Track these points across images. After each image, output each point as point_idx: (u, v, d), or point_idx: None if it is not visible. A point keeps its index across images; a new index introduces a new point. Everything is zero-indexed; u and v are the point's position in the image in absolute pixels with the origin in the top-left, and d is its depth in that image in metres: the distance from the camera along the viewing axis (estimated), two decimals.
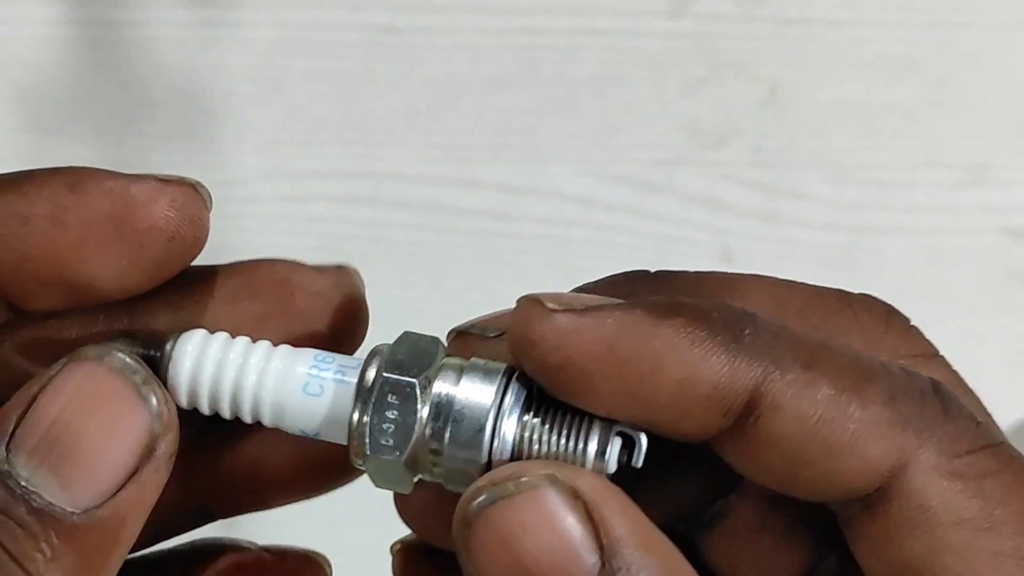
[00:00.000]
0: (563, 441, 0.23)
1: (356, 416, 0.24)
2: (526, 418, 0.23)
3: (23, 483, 0.22)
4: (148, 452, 0.23)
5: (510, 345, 0.23)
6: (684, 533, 0.26)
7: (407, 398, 0.23)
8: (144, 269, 0.24)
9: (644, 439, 0.23)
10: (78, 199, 0.24)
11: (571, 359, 0.22)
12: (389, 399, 0.23)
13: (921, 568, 0.22)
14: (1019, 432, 0.55)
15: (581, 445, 0.23)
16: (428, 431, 0.23)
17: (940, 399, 0.23)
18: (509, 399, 0.23)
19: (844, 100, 0.57)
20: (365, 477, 0.25)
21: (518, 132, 0.57)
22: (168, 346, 0.24)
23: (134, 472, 0.23)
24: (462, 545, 0.22)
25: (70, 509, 0.22)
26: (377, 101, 0.57)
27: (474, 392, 0.23)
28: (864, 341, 0.24)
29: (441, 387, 0.24)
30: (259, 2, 0.56)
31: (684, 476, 0.25)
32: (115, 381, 0.23)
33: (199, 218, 0.25)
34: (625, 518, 0.22)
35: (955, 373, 0.25)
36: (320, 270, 0.26)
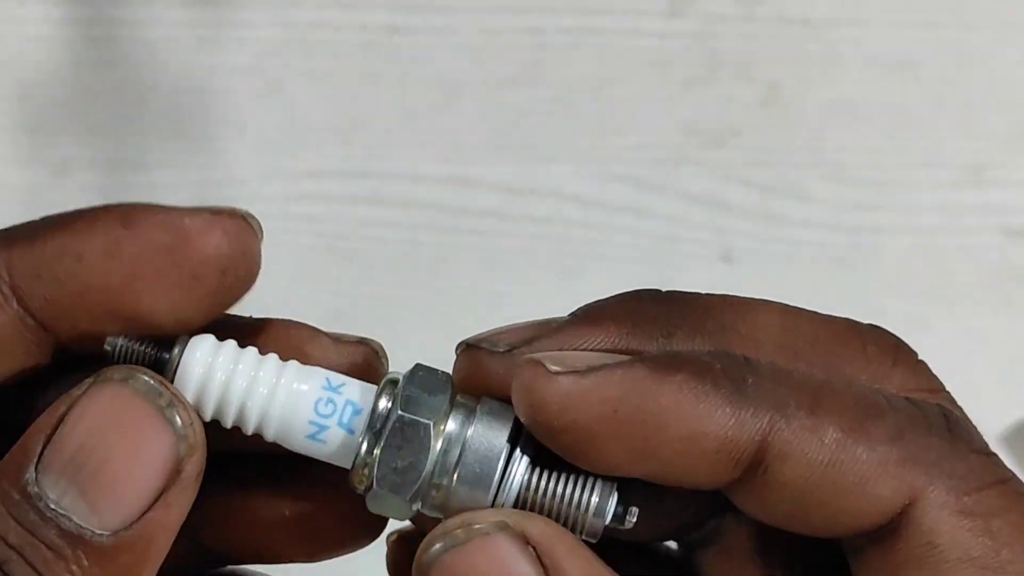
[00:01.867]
0: (567, 491, 0.23)
1: (365, 447, 0.24)
2: (535, 466, 0.24)
3: (52, 506, 0.22)
4: (175, 474, 0.23)
5: (515, 405, 0.23)
6: (679, 549, 0.26)
7: (419, 435, 0.23)
8: (199, 301, 0.24)
9: (635, 508, 0.24)
10: (131, 233, 0.24)
11: (576, 422, 0.22)
12: (400, 434, 0.23)
13: None
14: (1019, 432, 0.55)
15: (585, 496, 0.23)
16: (437, 468, 0.23)
17: (950, 430, 0.23)
18: (519, 446, 0.24)
19: (844, 100, 0.57)
20: None
21: (518, 132, 0.57)
22: (176, 349, 0.24)
23: (161, 493, 0.23)
24: None
25: (99, 531, 0.22)
26: (377, 101, 0.57)
27: (486, 435, 0.24)
28: (871, 373, 0.24)
29: (453, 426, 0.24)
30: (259, 2, 0.56)
31: (680, 491, 0.26)
32: (140, 403, 0.23)
33: (252, 250, 0.25)
34: (577, 560, 0.22)
35: (960, 410, 0.25)
36: (338, 341, 0.26)
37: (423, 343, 0.58)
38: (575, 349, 0.24)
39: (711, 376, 0.22)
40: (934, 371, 0.25)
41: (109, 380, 0.23)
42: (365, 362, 0.26)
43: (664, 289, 0.25)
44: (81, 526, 0.22)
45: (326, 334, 0.26)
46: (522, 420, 0.23)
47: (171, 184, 0.57)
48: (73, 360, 0.25)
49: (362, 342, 0.26)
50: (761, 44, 0.57)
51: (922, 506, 0.22)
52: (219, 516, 0.26)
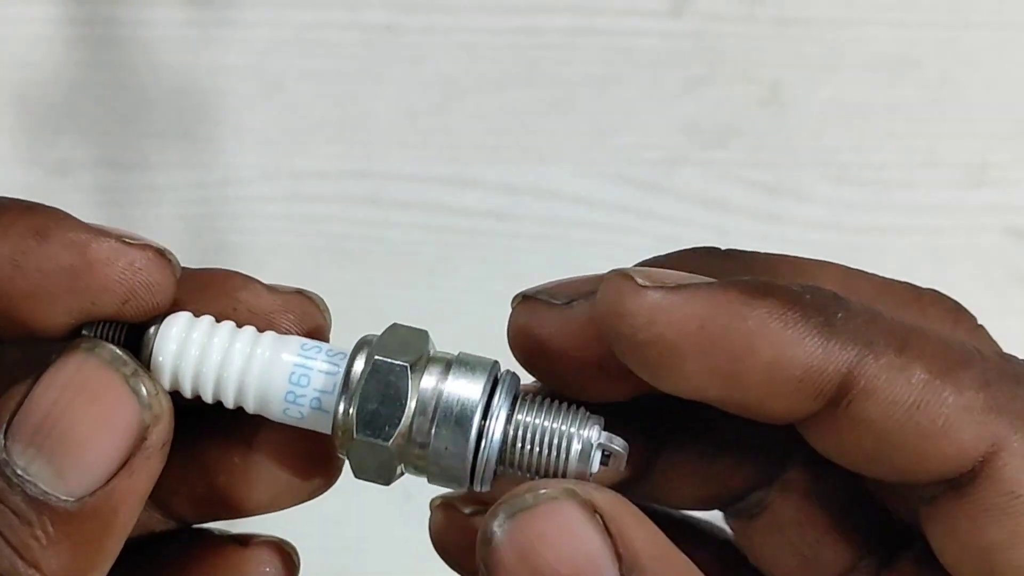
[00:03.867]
0: (548, 438, 0.23)
1: (342, 407, 0.24)
2: (514, 417, 0.24)
3: (19, 472, 0.23)
4: (139, 441, 0.23)
5: (598, 319, 0.23)
6: (725, 518, 0.26)
7: (395, 391, 0.23)
8: (95, 321, 0.25)
9: (623, 449, 0.24)
10: (39, 247, 0.24)
11: (662, 335, 0.22)
12: (376, 391, 0.23)
13: (999, 556, 0.22)
14: None
15: (565, 445, 0.23)
16: (415, 424, 0.23)
17: None
18: (498, 398, 0.24)
19: (844, 100, 0.57)
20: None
21: (518, 132, 0.57)
22: (152, 329, 0.24)
23: (126, 461, 0.23)
24: (484, 563, 0.22)
25: (64, 497, 0.23)
26: (377, 101, 0.57)
27: (463, 388, 0.23)
28: None
29: (429, 381, 0.24)
30: (258, 2, 0.56)
31: (727, 458, 0.25)
32: (105, 372, 0.23)
33: (158, 284, 0.24)
34: (642, 531, 0.22)
35: None
36: (272, 289, 0.26)
37: None
38: None
39: (801, 305, 0.22)
40: None
41: (75, 349, 0.24)
42: (302, 311, 0.26)
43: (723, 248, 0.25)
44: (47, 492, 0.23)
45: (260, 282, 0.26)
46: (604, 331, 0.23)
47: (171, 184, 0.57)
48: None
49: (300, 291, 0.26)
50: (761, 44, 0.57)
51: (1006, 456, 0.22)
52: (175, 471, 0.26)
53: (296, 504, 0.27)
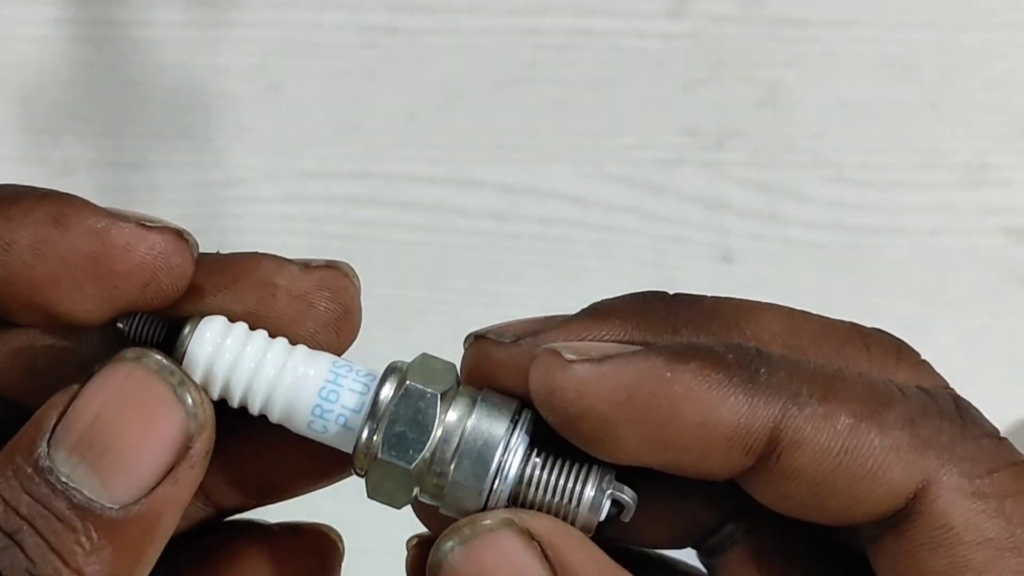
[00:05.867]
0: (561, 483, 0.24)
1: (366, 431, 0.24)
2: (530, 457, 0.24)
3: (63, 479, 0.23)
4: (184, 450, 0.23)
5: (533, 395, 0.23)
6: (699, 555, 0.26)
7: (423, 417, 0.24)
8: (118, 308, 0.25)
9: (632, 501, 0.24)
10: (59, 233, 0.24)
11: (592, 408, 0.23)
12: (405, 415, 0.24)
13: None
14: (1019, 432, 0.55)
15: (579, 490, 0.24)
16: (438, 453, 0.24)
17: (961, 416, 0.23)
18: (516, 437, 0.24)
19: (844, 100, 0.57)
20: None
21: (518, 132, 0.57)
22: (186, 329, 0.25)
23: (170, 469, 0.23)
24: None
25: (108, 505, 0.23)
26: (377, 102, 0.57)
27: (485, 425, 0.24)
28: (876, 373, 0.24)
29: (453, 415, 0.24)
30: (260, 3, 0.56)
31: (695, 498, 0.26)
32: (152, 381, 0.24)
33: (179, 267, 0.25)
34: (583, 554, 0.23)
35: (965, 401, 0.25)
36: (306, 268, 0.26)
37: (423, 343, 0.58)
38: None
39: (724, 365, 0.23)
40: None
41: (122, 359, 0.24)
42: (336, 285, 0.26)
43: (666, 290, 0.26)
44: (91, 499, 0.23)
45: (292, 261, 0.26)
46: (539, 408, 0.24)
47: (172, 185, 0.57)
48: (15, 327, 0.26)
49: (330, 265, 0.27)
50: (761, 44, 0.57)
51: (935, 490, 0.22)
52: (216, 459, 0.27)
53: (333, 482, 0.27)
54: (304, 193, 0.58)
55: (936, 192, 0.58)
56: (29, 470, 0.23)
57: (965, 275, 0.58)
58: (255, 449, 0.27)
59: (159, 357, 0.24)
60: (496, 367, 0.25)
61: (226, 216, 0.58)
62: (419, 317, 0.58)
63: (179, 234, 0.25)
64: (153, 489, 0.23)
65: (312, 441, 0.25)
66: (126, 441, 0.23)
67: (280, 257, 0.26)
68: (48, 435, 0.23)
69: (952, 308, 0.58)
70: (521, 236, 0.58)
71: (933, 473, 0.22)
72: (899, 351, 0.25)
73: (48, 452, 0.23)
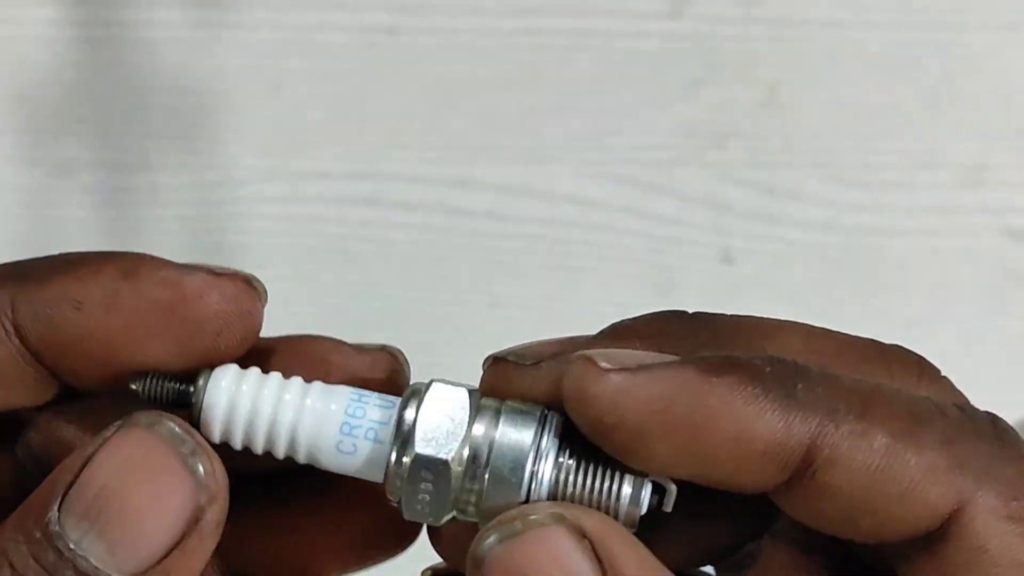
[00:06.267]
0: (598, 483, 0.24)
1: (394, 456, 0.24)
2: (562, 460, 0.24)
3: (72, 546, 0.23)
4: (194, 521, 0.23)
5: (565, 403, 0.23)
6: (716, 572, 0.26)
7: (447, 438, 0.24)
8: (193, 359, 0.25)
9: (674, 487, 0.24)
10: (131, 286, 0.24)
11: (626, 419, 0.23)
12: (433, 427, 0.24)
13: None
14: (1019, 431, 0.55)
15: (616, 487, 0.24)
16: (467, 471, 0.24)
17: (999, 438, 0.23)
18: (546, 442, 0.24)
19: (844, 100, 0.57)
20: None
21: (518, 132, 0.57)
22: (201, 381, 0.25)
23: (180, 540, 0.23)
24: None
25: (115, 574, 0.23)
26: (377, 102, 0.57)
27: (512, 434, 0.24)
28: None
29: (479, 428, 0.24)
30: (259, 3, 0.56)
31: (717, 516, 0.26)
32: (164, 450, 0.23)
33: (250, 313, 0.25)
34: (632, 555, 0.22)
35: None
36: (360, 350, 0.26)
37: (423, 343, 0.58)
38: None
39: (761, 379, 0.22)
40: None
41: (136, 425, 0.24)
42: (389, 368, 0.26)
43: (685, 309, 0.25)
44: (98, 569, 0.23)
45: (347, 344, 0.26)
46: (572, 416, 0.23)
47: (172, 185, 0.57)
48: (76, 393, 0.26)
49: (384, 349, 0.27)
50: (761, 45, 0.57)
51: (971, 512, 0.22)
52: (247, 539, 0.27)
53: (367, 567, 0.28)
54: (304, 193, 0.58)
55: (936, 192, 0.58)
56: (38, 535, 0.23)
57: (965, 275, 0.58)
58: (286, 532, 0.27)
59: (172, 425, 0.24)
60: (517, 390, 0.25)
61: (227, 216, 0.58)
62: (419, 317, 0.58)
63: (247, 281, 0.25)
64: (161, 560, 0.23)
65: (343, 519, 0.26)
66: (135, 511, 0.23)
67: (336, 339, 0.26)
68: (60, 500, 0.23)
69: (952, 308, 0.58)
70: (521, 236, 0.58)
71: (969, 495, 0.22)
72: (920, 369, 0.25)
73: (59, 517, 0.23)
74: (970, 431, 0.23)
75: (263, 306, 0.25)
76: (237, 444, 0.25)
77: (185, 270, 0.24)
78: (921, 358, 0.25)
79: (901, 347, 0.25)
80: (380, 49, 0.57)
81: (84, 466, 0.23)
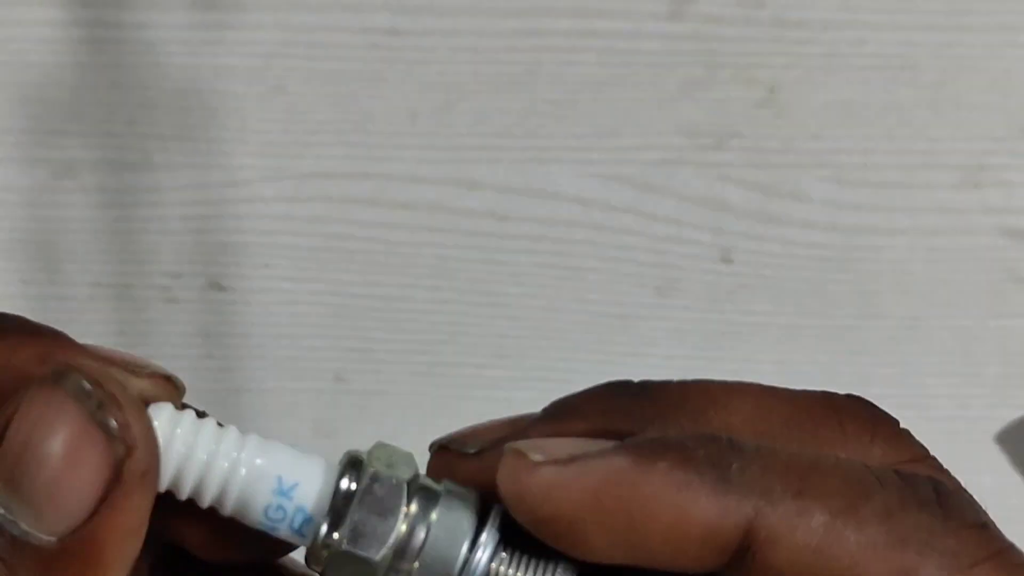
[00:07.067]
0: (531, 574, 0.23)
1: (325, 527, 0.23)
2: (500, 553, 0.23)
3: (2, 511, 0.22)
4: (115, 475, 0.23)
5: (501, 497, 0.23)
6: None
7: (384, 517, 0.23)
8: None
9: None
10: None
11: (560, 512, 0.22)
12: (365, 515, 0.23)
13: None
14: (1019, 432, 0.55)
15: None
16: (403, 546, 0.23)
17: (941, 505, 0.23)
18: (486, 532, 0.23)
19: (844, 101, 0.57)
20: None
21: (518, 133, 0.57)
22: None
23: (104, 496, 0.22)
24: None
25: (45, 537, 0.22)
26: (378, 103, 0.57)
27: (450, 518, 0.23)
28: (851, 451, 0.24)
29: (416, 507, 0.23)
30: (261, 4, 0.56)
31: None
32: (71, 407, 0.23)
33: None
34: None
35: (947, 473, 0.25)
36: (136, 372, 0.25)
37: (423, 343, 0.58)
38: None
39: (694, 463, 0.22)
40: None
41: (43, 382, 0.23)
42: (167, 395, 0.25)
43: (635, 381, 0.25)
44: (27, 532, 0.22)
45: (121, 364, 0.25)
46: (508, 509, 0.23)
47: (174, 185, 0.57)
48: None
49: (159, 374, 0.25)
50: (761, 46, 0.57)
51: None
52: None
53: None
54: (305, 194, 0.58)
55: (935, 192, 0.58)
56: None
57: (965, 275, 0.58)
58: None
59: (78, 378, 0.23)
60: (460, 480, 0.24)
61: (227, 216, 0.58)
62: (419, 317, 0.58)
63: (168, 379, 0.25)
64: (92, 517, 0.22)
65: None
66: (51, 471, 0.22)
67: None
68: None
69: (952, 308, 0.58)
70: (521, 236, 0.58)
71: (912, 570, 0.22)
72: (874, 426, 0.25)
73: None
74: (912, 502, 0.22)
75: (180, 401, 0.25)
76: (162, 486, 0.24)
77: (103, 364, 0.24)
78: (875, 411, 0.25)
79: (855, 400, 0.25)
80: (381, 50, 0.57)
81: (5, 429, 0.23)
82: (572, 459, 0.23)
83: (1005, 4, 0.57)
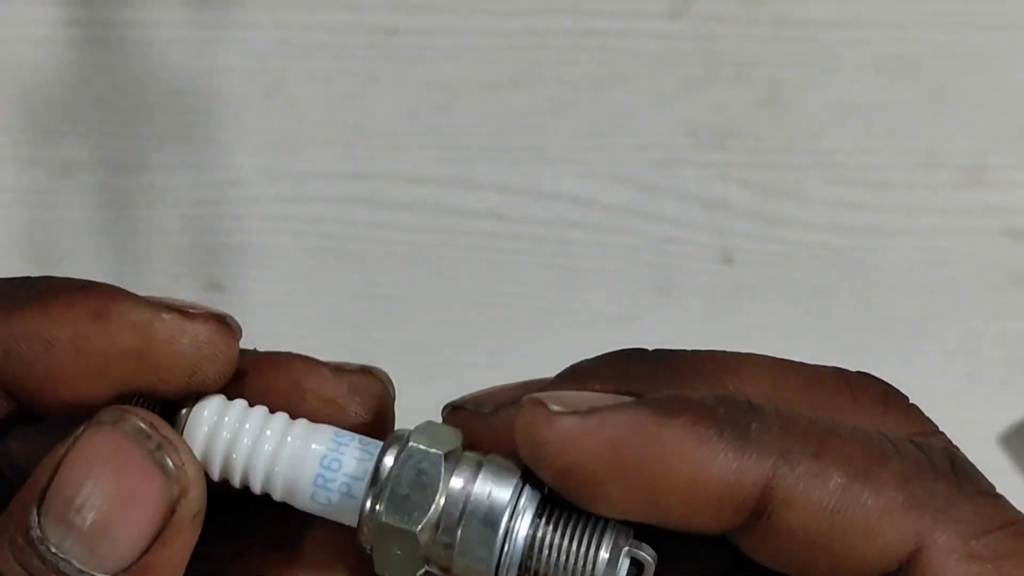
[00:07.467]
0: (574, 547, 0.23)
1: (369, 502, 0.24)
2: (539, 521, 0.23)
3: (53, 550, 0.23)
4: (168, 515, 0.23)
5: (519, 448, 0.23)
6: None
7: (428, 479, 0.23)
8: (165, 396, 0.25)
9: (652, 560, 0.23)
10: (101, 329, 0.24)
11: (578, 463, 0.22)
12: (409, 477, 0.23)
13: None
14: (1019, 432, 0.55)
15: (592, 552, 0.23)
16: (443, 519, 0.23)
17: (956, 475, 0.23)
18: (524, 500, 0.23)
19: (844, 100, 0.57)
20: None
21: (518, 133, 0.57)
22: (184, 411, 0.25)
23: (157, 535, 0.23)
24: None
25: (99, 574, 0.23)
26: (378, 102, 0.57)
27: (491, 490, 0.23)
28: (864, 422, 0.24)
29: (457, 482, 0.23)
30: (260, 4, 0.56)
31: (676, 559, 0.25)
32: (129, 447, 0.23)
33: (224, 355, 0.25)
34: None
35: (956, 449, 0.24)
36: (338, 371, 0.26)
37: (424, 343, 0.58)
38: None
39: (715, 420, 0.22)
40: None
41: (101, 423, 0.23)
42: (370, 393, 0.26)
43: (650, 349, 0.25)
44: (80, 570, 0.23)
45: (325, 365, 0.26)
46: (524, 460, 0.23)
47: (172, 185, 0.57)
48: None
49: (364, 369, 0.26)
50: (761, 45, 0.57)
51: (930, 552, 0.22)
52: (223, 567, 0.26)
53: None
54: (304, 193, 0.58)
55: (936, 192, 0.58)
56: (21, 541, 0.23)
57: (965, 275, 0.58)
58: (268, 564, 0.27)
59: (135, 419, 0.23)
60: (476, 439, 0.24)
61: (226, 216, 0.58)
62: (419, 317, 0.58)
63: (221, 320, 0.25)
64: (142, 556, 0.23)
65: (328, 558, 0.25)
66: (108, 509, 0.23)
67: (312, 360, 0.26)
68: (38, 503, 0.23)
69: (952, 308, 0.58)
70: (521, 237, 0.58)
71: (927, 534, 0.22)
72: (887, 398, 0.25)
73: (39, 521, 0.23)
74: (927, 469, 0.23)
75: (238, 342, 0.25)
76: (215, 475, 0.24)
77: (156, 311, 0.24)
78: (887, 386, 0.25)
79: (867, 375, 0.25)
80: (380, 49, 0.57)
81: (57, 468, 0.23)
82: (592, 410, 0.22)
83: (1005, 4, 0.57)
